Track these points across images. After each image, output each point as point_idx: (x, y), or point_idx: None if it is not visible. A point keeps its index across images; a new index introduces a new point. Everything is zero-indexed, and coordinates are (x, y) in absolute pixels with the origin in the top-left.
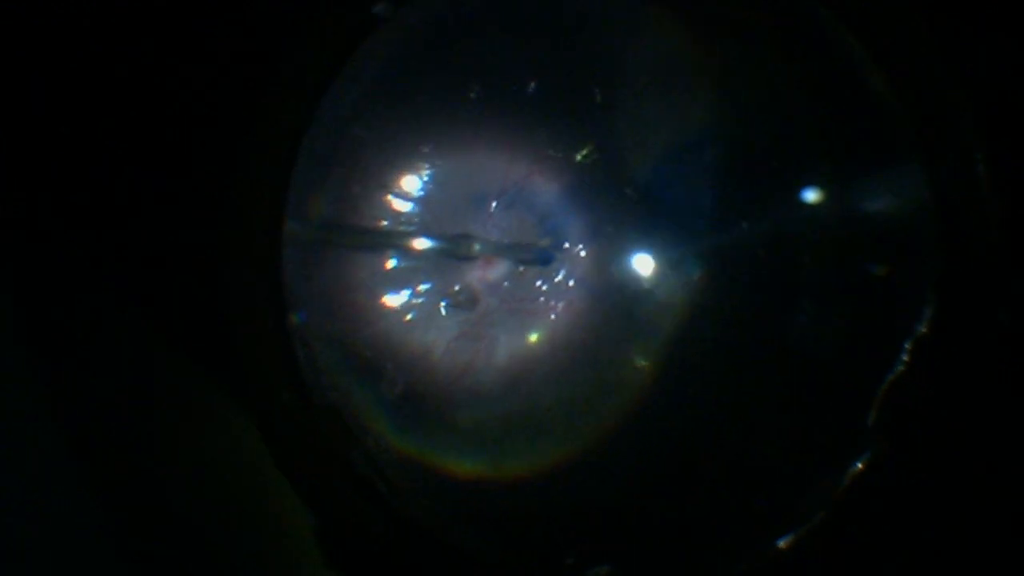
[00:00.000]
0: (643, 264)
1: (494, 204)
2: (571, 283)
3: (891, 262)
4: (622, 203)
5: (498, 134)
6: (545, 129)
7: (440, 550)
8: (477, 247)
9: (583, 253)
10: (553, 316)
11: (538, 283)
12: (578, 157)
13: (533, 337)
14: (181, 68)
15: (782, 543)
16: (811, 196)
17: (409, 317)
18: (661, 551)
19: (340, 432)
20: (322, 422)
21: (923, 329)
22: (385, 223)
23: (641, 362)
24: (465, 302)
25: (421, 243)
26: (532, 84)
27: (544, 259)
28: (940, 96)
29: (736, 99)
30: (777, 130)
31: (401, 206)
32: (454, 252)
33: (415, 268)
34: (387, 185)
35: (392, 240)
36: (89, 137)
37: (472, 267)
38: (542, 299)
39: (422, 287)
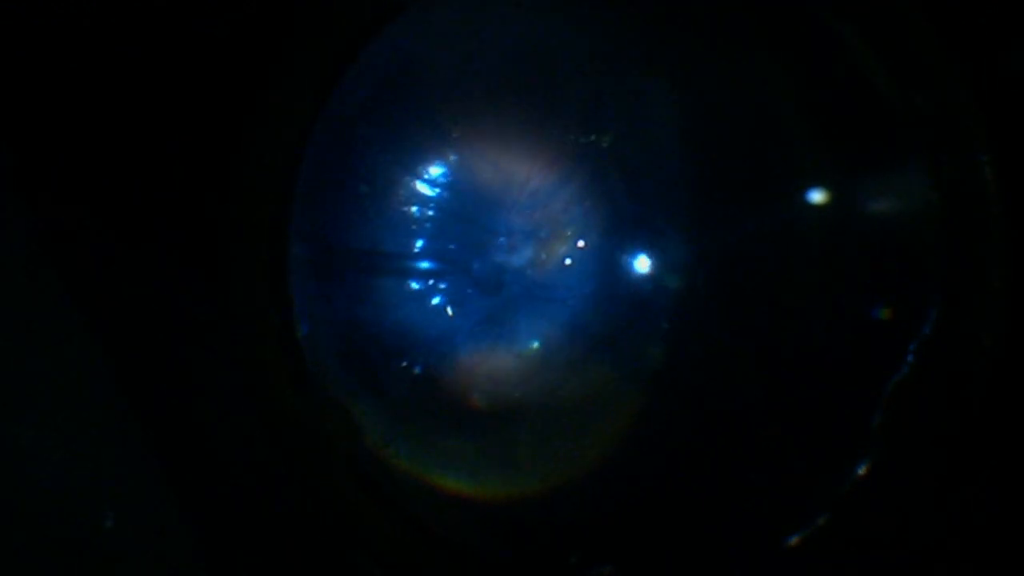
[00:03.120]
0: (648, 264)
1: (503, 202)
2: (581, 279)
3: (897, 263)
4: (629, 202)
5: (502, 131)
6: (551, 128)
7: (444, 549)
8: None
9: (586, 250)
10: (564, 311)
11: (557, 275)
12: (586, 157)
13: (547, 329)
14: (186, 66)
15: (786, 544)
16: (817, 197)
17: (434, 301)
18: (665, 551)
19: (346, 430)
20: (328, 420)
21: (928, 331)
22: (402, 235)
23: (646, 362)
24: (490, 288)
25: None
26: (537, 82)
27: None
28: (946, 98)
29: (744, 99)
30: (783, 130)
31: (412, 209)
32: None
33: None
34: (396, 186)
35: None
36: (87, 138)
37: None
38: (557, 292)
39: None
